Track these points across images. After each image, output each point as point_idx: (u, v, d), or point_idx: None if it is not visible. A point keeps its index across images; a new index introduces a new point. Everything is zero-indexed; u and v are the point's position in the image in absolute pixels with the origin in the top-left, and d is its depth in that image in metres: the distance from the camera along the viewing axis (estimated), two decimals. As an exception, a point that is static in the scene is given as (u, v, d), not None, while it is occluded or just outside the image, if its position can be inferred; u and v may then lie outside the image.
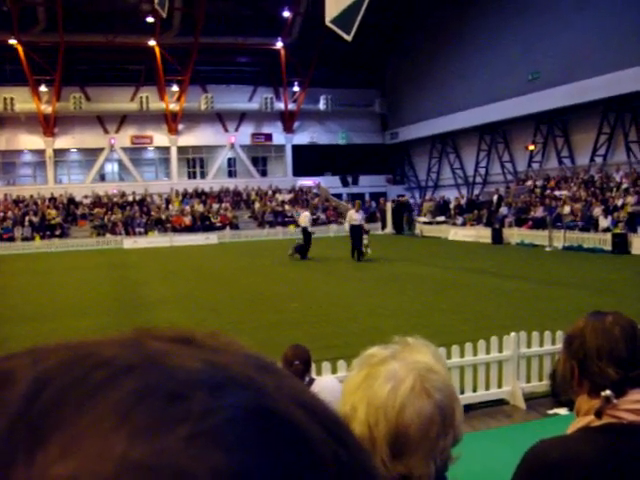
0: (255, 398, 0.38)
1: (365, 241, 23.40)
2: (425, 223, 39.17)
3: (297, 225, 26.79)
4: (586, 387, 2.04)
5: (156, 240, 38.47)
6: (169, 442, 0.34)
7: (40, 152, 47.60)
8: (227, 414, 0.36)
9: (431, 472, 1.44)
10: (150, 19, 43.48)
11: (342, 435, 0.41)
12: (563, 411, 7.11)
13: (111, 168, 50.92)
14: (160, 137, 49.85)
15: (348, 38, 32.85)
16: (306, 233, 25.72)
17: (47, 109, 46.04)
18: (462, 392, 7.62)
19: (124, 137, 49.14)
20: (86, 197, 45.44)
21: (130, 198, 45.61)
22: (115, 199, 45.28)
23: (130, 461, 0.32)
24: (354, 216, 23.94)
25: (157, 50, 46.00)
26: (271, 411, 0.38)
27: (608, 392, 1.93)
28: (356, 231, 23.73)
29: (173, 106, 48.88)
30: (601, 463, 1.87)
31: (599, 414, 1.94)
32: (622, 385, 1.96)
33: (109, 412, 0.34)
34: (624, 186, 29.31)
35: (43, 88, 45.93)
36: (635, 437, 1.89)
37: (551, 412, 7.35)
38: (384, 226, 40.85)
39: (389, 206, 41.28)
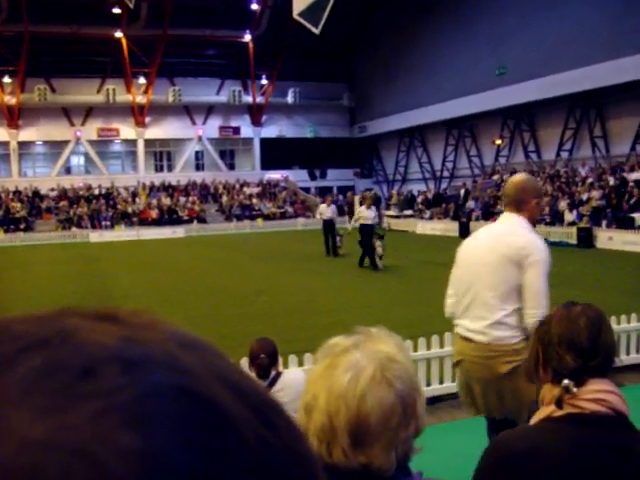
0: (172, 376, 0.37)
1: (379, 249, 19.36)
2: (393, 217, 39.28)
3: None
4: (549, 375, 2.06)
5: (123, 234, 38.14)
6: (73, 419, 0.32)
7: (4, 144, 46.78)
8: (138, 391, 0.35)
9: (392, 462, 1.43)
10: (117, 10, 42.91)
11: (271, 417, 0.40)
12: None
13: (77, 161, 50.32)
14: (127, 130, 49.36)
15: (316, 31, 32.81)
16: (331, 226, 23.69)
17: (11, 100, 45.25)
18: (429, 384, 7.66)
19: (90, 130, 48.55)
20: (52, 190, 44.82)
21: (96, 191, 45.11)
22: (81, 192, 44.75)
23: (31, 439, 0.31)
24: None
25: (124, 42, 45.49)
26: (189, 389, 0.37)
27: (567, 381, 1.94)
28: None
29: (140, 98, 48.42)
30: (563, 454, 1.88)
31: (559, 404, 1.95)
32: (581, 374, 1.98)
33: (12, 388, 0.33)
34: (589, 181, 29.64)
35: (7, 79, 45.15)
36: (596, 427, 1.90)
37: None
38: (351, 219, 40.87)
39: (357, 200, 41.31)
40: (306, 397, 1.48)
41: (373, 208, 21.38)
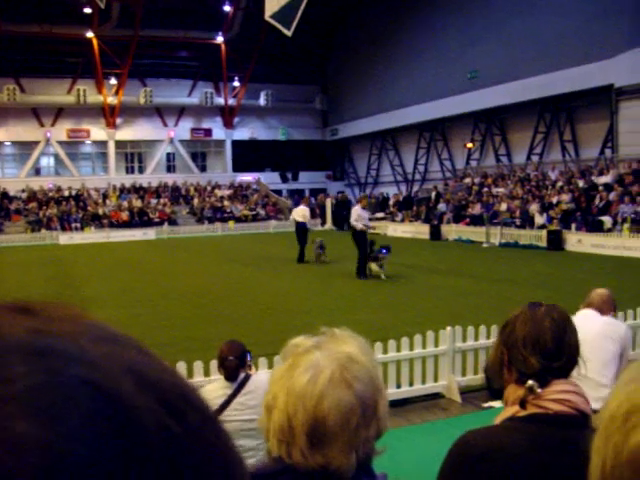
0: (76, 367, 0.37)
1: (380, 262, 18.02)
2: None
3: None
4: (514, 375, 2.06)
5: (93, 236, 37.82)
6: None
7: (-28, 145, 46.35)
8: (38, 381, 0.34)
9: (352, 463, 1.41)
10: (88, 10, 42.61)
11: (180, 407, 0.41)
12: (498, 404, 7.20)
13: (47, 162, 49.80)
14: (97, 131, 48.96)
15: (288, 33, 32.87)
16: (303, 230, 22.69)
17: (-21, 100, 44.74)
18: (399, 386, 7.68)
19: (60, 130, 48.08)
20: (21, 192, 44.28)
21: (66, 193, 44.63)
22: (51, 194, 44.27)
23: None
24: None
25: (95, 42, 45.11)
26: (91, 380, 0.37)
27: (531, 382, 1.94)
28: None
29: (111, 99, 48.06)
30: (525, 453, 1.88)
31: (523, 404, 1.95)
32: (546, 375, 1.98)
33: None
34: (559, 184, 29.91)
35: (-25, 79, 44.65)
36: (559, 427, 1.91)
37: (486, 405, 7.45)
38: (324, 222, 40.94)
39: (329, 202, 41.40)
40: (267, 397, 1.48)
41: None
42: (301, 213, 22.20)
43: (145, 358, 0.43)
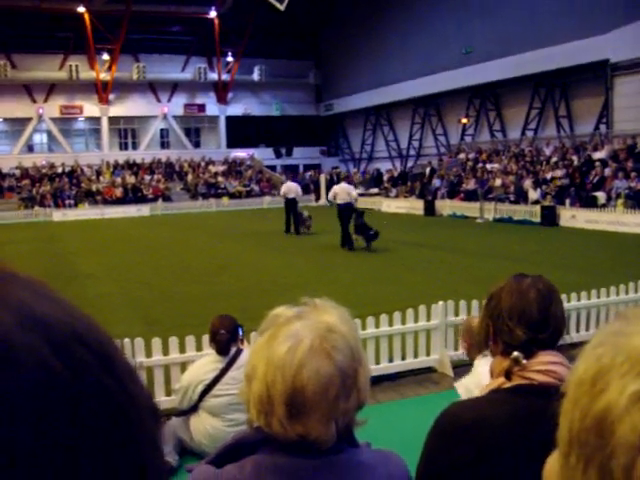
0: None
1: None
2: (359, 195, 39.25)
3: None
4: (500, 347, 2.06)
5: (86, 212, 37.71)
6: None
7: (-36, 121, 46.05)
8: None
9: (331, 434, 1.41)
10: (79, -16, 42.22)
11: (70, 347, 0.41)
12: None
13: (39, 139, 49.52)
14: (90, 107, 48.67)
15: (281, 8, 32.60)
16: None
17: (-30, 76, 44.38)
18: (391, 360, 7.71)
19: (53, 107, 47.75)
20: (15, 169, 44.05)
21: (59, 170, 44.44)
22: (44, 171, 44.07)
23: None
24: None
25: (87, 17, 44.62)
26: None
27: (516, 353, 1.94)
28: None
29: (104, 75, 47.71)
30: (510, 424, 1.88)
31: (508, 375, 1.95)
32: (531, 346, 1.98)
33: None
34: (553, 160, 29.89)
35: (-35, 54, 44.25)
36: (544, 398, 1.90)
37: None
38: (318, 198, 40.86)
39: (323, 178, 41.31)
40: (247, 367, 1.48)
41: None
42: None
43: (41, 300, 0.42)
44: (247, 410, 1.48)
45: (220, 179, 45.85)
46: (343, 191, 19.14)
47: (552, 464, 0.73)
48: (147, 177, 45.14)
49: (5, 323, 0.39)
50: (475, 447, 1.88)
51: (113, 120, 49.59)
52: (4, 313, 0.39)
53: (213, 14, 48.35)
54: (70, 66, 46.33)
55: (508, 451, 1.85)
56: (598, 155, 28.04)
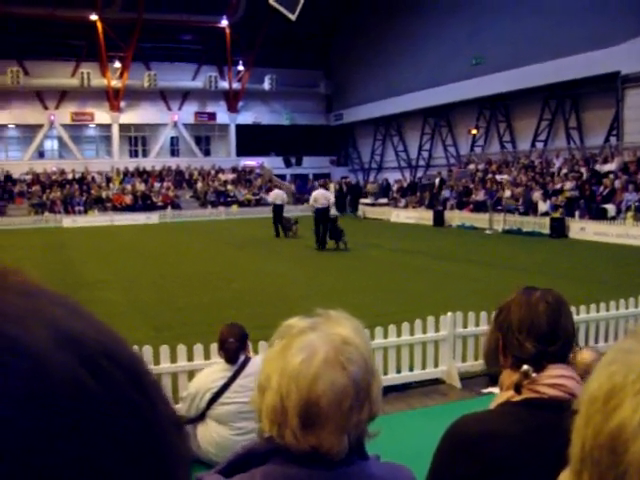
0: None
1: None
2: (368, 205, 39.37)
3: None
4: (509, 360, 2.06)
5: (96, 219, 37.82)
6: None
7: (-24, 128, 46.26)
8: None
9: (343, 446, 1.42)
10: (92, -8, 42.40)
11: (101, 365, 0.41)
12: (497, 390, 7.20)
13: (50, 145, 49.70)
14: (101, 114, 48.85)
15: (292, 17, 32.73)
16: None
17: (-18, 83, 44.60)
18: (399, 371, 7.69)
19: (64, 114, 47.95)
20: (26, 174, 44.24)
21: (70, 176, 44.61)
22: (54, 177, 44.24)
23: None
24: (320, 197, 21.68)
25: (99, 25, 44.84)
26: (4, 332, 0.37)
27: (526, 367, 1.94)
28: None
29: (115, 83, 47.91)
30: (519, 438, 1.88)
31: (518, 389, 1.95)
32: (541, 360, 1.98)
33: None
34: (563, 171, 29.84)
35: (-22, 61, 44.44)
36: (554, 412, 1.91)
37: (486, 391, 7.45)
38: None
39: (332, 187, 41.35)
40: (260, 377, 1.48)
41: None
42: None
43: (72, 316, 0.43)
44: (259, 420, 1.48)
45: (229, 187, 45.92)
46: (322, 196, 21.37)
47: None
48: (157, 185, 45.25)
49: (41, 339, 0.39)
50: (482, 461, 1.88)
51: (124, 127, 49.75)
52: (39, 329, 0.40)
53: (224, 23, 48.49)
54: (82, 73, 46.51)
55: (517, 466, 1.85)
56: (608, 167, 27.97)
